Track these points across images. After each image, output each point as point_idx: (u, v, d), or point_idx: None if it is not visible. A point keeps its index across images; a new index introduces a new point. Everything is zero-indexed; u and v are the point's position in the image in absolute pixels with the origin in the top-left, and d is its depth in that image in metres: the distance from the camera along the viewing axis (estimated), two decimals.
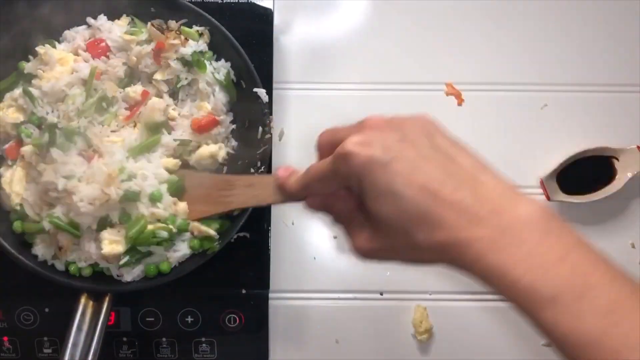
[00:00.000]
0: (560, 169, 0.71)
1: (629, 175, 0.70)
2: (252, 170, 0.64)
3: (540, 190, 0.73)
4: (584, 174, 0.72)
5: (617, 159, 0.71)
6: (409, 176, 0.43)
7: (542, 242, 0.41)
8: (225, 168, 0.65)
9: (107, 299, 0.60)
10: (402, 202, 0.42)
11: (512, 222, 0.41)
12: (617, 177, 0.71)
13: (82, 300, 0.60)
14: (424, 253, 0.44)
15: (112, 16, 0.65)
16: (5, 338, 0.67)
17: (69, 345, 0.57)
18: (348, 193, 0.48)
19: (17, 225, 0.61)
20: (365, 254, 0.47)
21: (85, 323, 0.59)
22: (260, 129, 0.63)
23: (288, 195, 0.50)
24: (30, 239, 0.62)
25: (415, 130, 0.45)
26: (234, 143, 0.66)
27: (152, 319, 0.68)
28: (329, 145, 0.48)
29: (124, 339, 0.68)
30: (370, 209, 0.44)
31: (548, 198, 0.71)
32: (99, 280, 0.62)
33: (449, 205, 0.42)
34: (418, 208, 0.42)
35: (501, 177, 0.45)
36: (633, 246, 0.73)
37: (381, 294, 0.72)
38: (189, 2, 0.64)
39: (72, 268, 0.61)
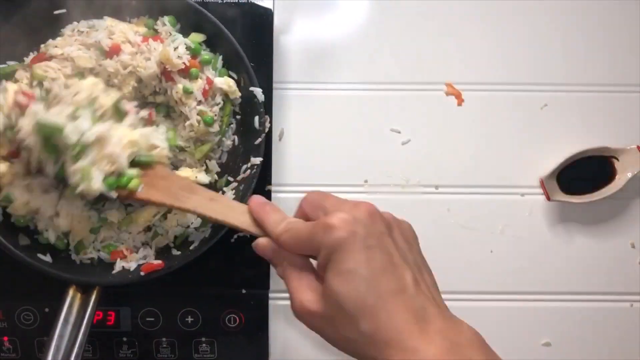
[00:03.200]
0: (560, 168, 0.71)
1: (629, 175, 0.70)
2: (246, 166, 0.64)
3: (540, 190, 0.73)
4: (584, 174, 0.72)
5: (617, 159, 0.71)
6: (382, 267, 0.45)
7: None
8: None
9: (95, 292, 0.60)
10: (363, 287, 0.44)
11: (460, 341, 0.44)
12: (617, 177, 0.71)
13: (70, 292, 0.60)
14: (357, 344, 0.45)
15: (118, 15, 0.65)
16: (5, 338, 0.67)
17: (55, 336, 0.57)
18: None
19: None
20: (304, 314, 0.48)
21: (72, 315, 0.59)
22: (257, 127, 0.64)
23: (263, 230, 0.52)
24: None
25: (400, 232, 0.49)
26: (229, 142, 0.66)
27: (152, 319, 0.68)
28: (313, 207, 0.50)
29: (124, 339, 0.68)
30: (327, 283, 0.46)
31: (548, 198, 0.71)
32: (88, 273, 0.62)
33: (404, 310, 0.44)
34: (377, 300, 0.44)
35: (444, 311, 0.47)
36: (633, 246, 0.73)
37: None
38: (189, 1, 0.64)
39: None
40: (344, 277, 0.45)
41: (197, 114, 0.63)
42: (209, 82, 0.63)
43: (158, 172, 0.60)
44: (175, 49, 0.62)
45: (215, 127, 0.65)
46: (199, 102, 0.64)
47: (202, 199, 0.57)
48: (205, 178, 0.64)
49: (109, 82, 0.63)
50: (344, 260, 0.45)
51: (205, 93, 0.63)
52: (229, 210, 0.56)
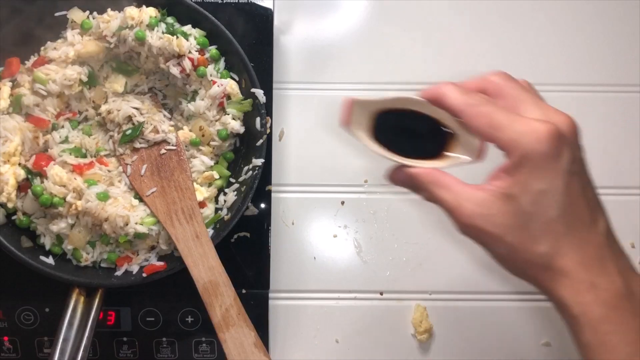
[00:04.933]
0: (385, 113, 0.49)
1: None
2: (248, 167, 0.64)
3: None
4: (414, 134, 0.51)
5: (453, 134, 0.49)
6: (578, 196, 0.42)
7: (624, 334, 0.41)
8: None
9: (98, 294, 0.61)
10: (556, 210, 0.42)
11: (634, 291, 0.42)
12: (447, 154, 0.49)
13: (74, 295, 0.60)
14: (528, 265, 0.43)
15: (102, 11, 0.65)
16: (6, 338, 0.67)
17: (60, 340, 0.57)
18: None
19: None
20: (473, 226, 0.44)
21: (76, 318, 0.59)
22: (259, 129, 0.64)
23: (443, 106, 0.46)
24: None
25: (582, 158, 0.45)
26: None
27: (152, 319, 0.68)
28: (502, 95, 0.45)
29: (124, 339, 0.68)
30: (512, 194, 0.42)
31: (347, 123, 0.50)
32: (91, 275, 0.62)
33: (589, 252, 0.42)
34: (562, 227, 0.42)
35: (625, 258, 0.45)
36: (633, 246, 0.73)
37: (381, 294, 0.72)
38: (189, 1, 0.64)
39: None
40: (536, 196, 0.41)
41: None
42: (213, 83, 0.64)
43: (181, 181, 0.62)
44: (188, 36, 0.63)
45: (229, 140, 0.66)
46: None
47: (189, 231, 0.60)
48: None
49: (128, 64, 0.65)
50: (541, 178, 0.41)
51: (221, 104, 0.65)
52: (200, 257, 0.59)
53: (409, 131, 0.48)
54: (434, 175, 0.46)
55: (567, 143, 0.42)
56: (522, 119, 0.42)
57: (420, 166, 0.47)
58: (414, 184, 0.47)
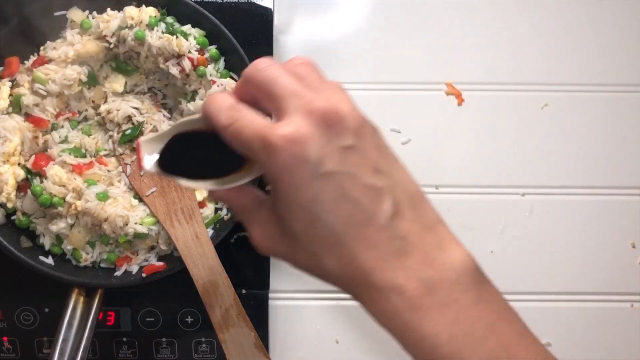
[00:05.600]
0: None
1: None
2: None
3: (541, 190, 0.73)
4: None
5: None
6: (337, 200, 0.36)
7: (473, 307, 0.37)
8: None
9: (98, 294, 0.61)
10: (319, 225, 0.37)
11: (443, 277, 0.37)
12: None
13: (73, 295, 0.60)
14: (326, 279, 0.40)
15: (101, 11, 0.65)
16: (5, 338, 0.67)
17: (59, 340, 0.57)
18: (252, 185, 0.42)
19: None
20: (265, 251, 0.41)
21: (76, 319, 0.59)
22: None
23: (210, 121, 0.40)
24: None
25: (367, 137, 0.38)
26: None
27: (152, 319, 0.68)
28: (259, 91, 0.38)
29: (124, 339, 0.68)
30: (279, 217, 0.39)
31: (141, 167, 0.43)
32: (90, 275, 0.62)
33: (373, 245, 0.37)
34: (337, 238, 0.37)
35: (434, 208, 0.40)
36: (633, 246, 0.73)
37: None
38: (189, 0, 0.64)
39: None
40: (295, 214, 0.37)
41: None
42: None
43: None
44: (188, 36, 0.63)
45: None
46: None
47: (189, 231, 0.60)
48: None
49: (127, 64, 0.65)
50: (292, 193, 0.36)
51: None
52: (200, 257, 0.59)
53: (207, 150, 0.43)
54: (228, 198, 0.43)
55: (309, 141, 0.35)
56: (261, 131, 0.36)
57: (216, 188, 0.42)
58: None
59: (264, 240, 0.41)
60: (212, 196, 0.46)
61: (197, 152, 0.43)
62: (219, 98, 0.40)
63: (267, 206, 0.41)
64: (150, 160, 0.42)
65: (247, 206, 0.42)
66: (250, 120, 0.37)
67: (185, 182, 0.42)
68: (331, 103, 0.37)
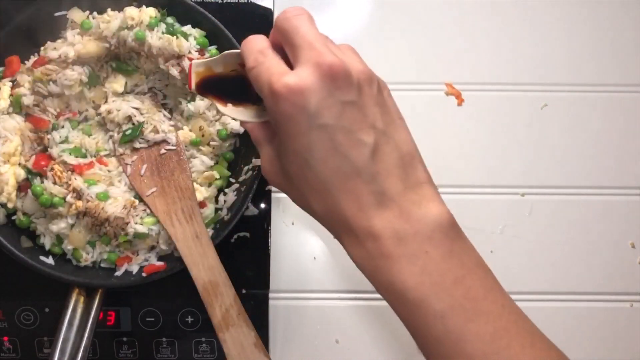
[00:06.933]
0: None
1: None
2: (248, 167, 0.65)
3: (541, 190, 0.73)
4: None
5: None
6: (328, 152, 0.39)
7: (442, 260, 0.39)
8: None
9: (98, 294, 0.61)
10: (309, 172, 0.40)
11: (416, 231, 0.39)
12: None
13: (74, 295, 0.60)
14: (315, 216, 0.43)
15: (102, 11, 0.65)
16: (5, 338, 0.67)
17: (60, 340, 0.58)
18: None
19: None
20: (269, 181, 0.45)
21: (76, 319, 0.60)
22: None
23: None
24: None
25: (371, 94, 0.41)
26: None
27: (152, 319, 0.68)
28: (283, 37, 0.42)
29: (124, 339, 0.68)
30: (280, 154, 0.42)
31: (190, 87, 0.50)
32: (91, 275, 0.62)
33: (356, 195, 0.39)
34: (324, 186, 0.40)
35: (425, 170, 0.43)
36: (633, 246, 0.73)
37: None
38: (189, 1, 0.64)
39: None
40: (291, 157, 0.40)
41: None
42: None
43: (181, 181, 0.62)
44: (188, 36, 0.63)
45: (229, 140, 0.66)
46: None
47: (189, 231, 0.60)
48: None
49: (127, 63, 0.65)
50: (290, 139, 0.40)
51: None
52: (200, 257, 0.59)
53: (240, 84, 0.48)
54: (249, 128, 0.47)
55: (311, 93, 0.38)
56: (271, 78, 0.39)
57: (240, 118, 0.48)
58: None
59: (269, 172, 0.45)
60: (241, 125, 0.54)
61: (232, 84, 0.48)
62: (254, 40, 0.43)
63: (275, 144, 0.45)
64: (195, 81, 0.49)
65: (260, 140, 0.46)
66: (268, 66, 0.40)
67: (221, 107, 0.48)
68: (341, 59, 0.39)
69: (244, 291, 0.68)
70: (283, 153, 0.42)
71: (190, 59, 0.62)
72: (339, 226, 0.41)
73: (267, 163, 0.45)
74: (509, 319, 0.40)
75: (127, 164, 0.64)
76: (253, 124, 0.48)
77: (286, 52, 0.42)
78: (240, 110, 0.48)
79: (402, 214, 0.39)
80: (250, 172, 0.64)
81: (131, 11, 0.62)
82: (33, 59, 0.63)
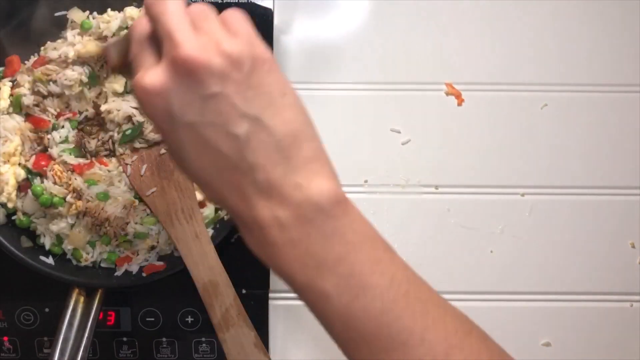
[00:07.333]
0: None
1: None
2: None
3: (540, 190, 0.73)
4: None
5: None
6: (200, 149, 0.38)
7: (323, 241, 0.39)
8: None
9: (98, 294, 0.61)
10: (187, 168, 0.39)
11: (297, 215, 0.38)
12: None
13: (74, 295, 0.60)
14: (215, 204, 0.44)
15: (102, 11, 0.65)
16: (5, 338, 0.67)
17: (60, 340, 0.58)
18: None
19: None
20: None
21: (76, 319, 0.59)
22: None
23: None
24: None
25: (239, 79, 0.37)
26: None
27: (152, 319, 0.68)
28: (153, 19, 0.39)
29: (124, 339, 0.68)
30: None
31: None
32: (91, 275, 0.62)
33: (237, 187, 0.38)
34: (204, 180, 0.39)
35: (312, 146, 0.40)
36: (633, 246, 0.73)
37: None
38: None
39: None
40: (170, 153, 0.41)
41: None
42: None
43: (181, 181, 0.62)
44: None
45: None
46: None
47: (189, 231, 0.60)
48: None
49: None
50: (162, 136, 0.39)
51: None
52: (200, 257, 0.59)
53: None
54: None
55: (170, 93, 0.36)
56: (138, 77, 0.38)
57: None
58: None
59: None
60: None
61: None
62: (136, 25, 0.40)
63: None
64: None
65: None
66: (139, 60, 0.39)
67: None
68: (200, 47, 0.36)
69: (244, 291, 0.68)
70: (164, 143, 0.42)
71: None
72: (230, 215, 0.41)
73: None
74: (398, 290, 0.39)
75: (127, 164, 0.64)
76: None
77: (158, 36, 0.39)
78: None
79: (284, 200, 0.38)
80: None
81: (131, 11, 0.62)
82: (33, 59, 0.63)
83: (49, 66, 0.62)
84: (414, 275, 0.41)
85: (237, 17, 0.39)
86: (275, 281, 0.70)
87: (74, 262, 0.63)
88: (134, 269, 0.63)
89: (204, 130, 0.37)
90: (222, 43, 0.37)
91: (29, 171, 0.62)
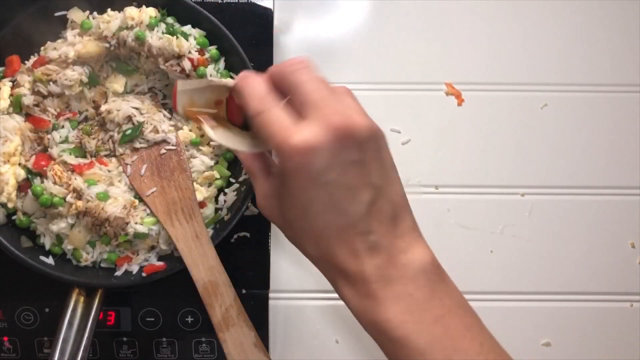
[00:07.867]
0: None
1: None
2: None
3: (540, 190, 0.73)
4: None
5: None
6: (328, 206, 0.42)
7: (424, 302, 0.42)
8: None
9: (98, 294, 0.61)
10: (307, 221, 0.43)
11: (401, 275, 0.42)
12: None
13: (74, 295, 0.60)
14: (309, 258, 0.46)
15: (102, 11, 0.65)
16: (5, 338, 0.67)
17: (60, 340, 0.58)
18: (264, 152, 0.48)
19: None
20: (263, 213, 0.48)
21: (76, 319, 0.60)
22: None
23: (243, 100, 0.45)
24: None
25: (372, 149, 0.42)
26: None
27: (152, 319, 0.68)
28: (285, 86, 0.43)
29: (124, 339, 0.68)
30: (280, 196, 0.45)
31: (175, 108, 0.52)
32: (91, 275, 0.62)
33: (349, 244, 0.42)
34: (320, 233, 0.43)
35: (412, 218, 0.46)
36: (633, 246, 0.73)
37: None
38: (189, 1, 0.64)
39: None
40: (290, 205, 0.43)
41: None
42: None
43: (181, 181, 0.62)
44: (188, 36, 0.63)
45: None
46: None
47: (189, 231, 0.61)
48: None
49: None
50: (293, 190, 0.42)
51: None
52: (200, 257, 0.59)
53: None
54: (242, 158, 0.50)
55: (318, 152, 0.40)
56: (279, 132, 0.41)
57: (232, 147, 0.48)
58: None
59: (264, 206, 0.48)
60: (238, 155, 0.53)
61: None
62: (254, 83, 0.44)
63: (272, 181, 0.47)
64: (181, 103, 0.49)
65: (255, 172, 0.48)
66: (275, 117, 0.42)
67: (209, 131, 0.48)
68: (346, 116, 0.41)
69: (244, 291, 0.68)
70: (283, 197, 0.44)
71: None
72: (331, 269, 0.44)
73: (262, 199, 0.48)
74: (487, 356, 0.42)
75: (127, 164, 0.64)
76: (246, 154, 0.48)
77: (293, 101, 0.43)
78: (231, 137, 0.48)
79: (390, 260, 0.43)
80: None
81: (131, 11, 0.62)
82: (33, 59, 0.63)
83: (49, 66, 0.62)
84: (498, 344, 0.45)
85: (348, 93, 0.44)
86: (275, 281, 0.70)
87: (74, 262, 0.63)
88: (134, 269, 0.63)
89: (337, 191, 0.41)
90: (357, 113, 0.42)
91: (29, 171, 0.62)
